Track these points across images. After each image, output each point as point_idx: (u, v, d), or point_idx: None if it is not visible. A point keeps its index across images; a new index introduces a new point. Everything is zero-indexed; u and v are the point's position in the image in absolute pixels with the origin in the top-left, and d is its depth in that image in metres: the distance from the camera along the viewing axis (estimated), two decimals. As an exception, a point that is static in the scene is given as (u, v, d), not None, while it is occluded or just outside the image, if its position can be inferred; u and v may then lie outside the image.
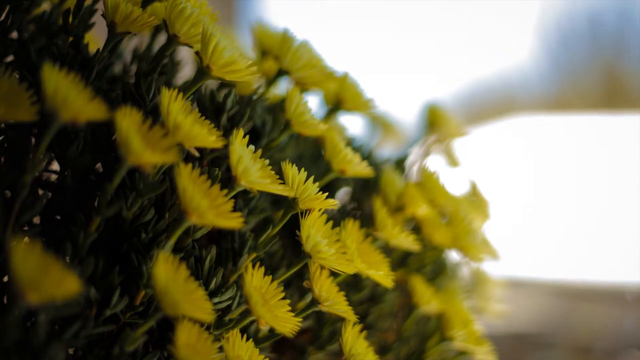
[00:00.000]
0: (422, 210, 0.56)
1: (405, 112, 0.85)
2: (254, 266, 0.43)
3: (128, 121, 0.36)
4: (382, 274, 0.46)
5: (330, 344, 0.54)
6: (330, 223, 0.44)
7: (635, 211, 1.69)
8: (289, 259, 0.52)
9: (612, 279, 1.53)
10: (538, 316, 1.40)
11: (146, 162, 0.37)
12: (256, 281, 0.42)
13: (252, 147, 0.42)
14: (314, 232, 0.43)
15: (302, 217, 0.43)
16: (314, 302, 0.44)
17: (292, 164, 0.43)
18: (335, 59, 0.57)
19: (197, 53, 0.43)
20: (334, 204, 0.44)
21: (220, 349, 0.40)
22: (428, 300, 0.56)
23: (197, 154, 0.41)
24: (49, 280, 0.33)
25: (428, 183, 0.60)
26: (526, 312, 1.36)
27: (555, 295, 1.51)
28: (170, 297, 0.36)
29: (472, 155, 0.76)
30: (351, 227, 0.46)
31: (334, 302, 0.44)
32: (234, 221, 0.38)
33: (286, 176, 0.43)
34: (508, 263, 0.74)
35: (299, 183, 0.43)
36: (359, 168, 0.50)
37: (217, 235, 0.47)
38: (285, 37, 0.52)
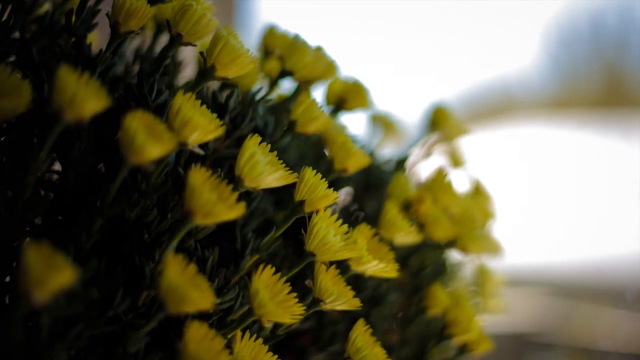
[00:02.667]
0: (426, 205, 0.57)
1: (406, 113, 0.85)
2: (257, 267, 0.43)
3: (137, 120, 0.36)
4: (385, 266, 0.46)
5: (331, 345, 0.54)
6: (340, 221, 0.44)
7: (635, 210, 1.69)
8: (290, 261, 0.52)
9: (612, 278, 1.53)
10: (538, 316, 1.40)
11: (148, 157, 0.37)
12: (264, 278, 0.42)
13: (264, 144, 0.42)
14: (325, 227, 0.43)
15: (308, 219, 0.43)
16: (315, 301, 0.44)
17: (309, 167, 0.44)
18: (336, 59, 0.57)
19: (201, 53, 0.43)
20: (335, 197, 0.44)
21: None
22: (442, 306, 0.57)
23: (201, 152, 0.41)
24: (53, 275, 0.33)
25: (435, 183, 0.60)
26: (526, 312, 1.36)
27: (555, 295, 1.51)
28: (177, 291, 0.36)
29: (474, 154, 0.76)
30: (363, 227, 0.46)
31: (337, 296, 0.44)
32: (237, 210, 0.38)
33: (302, 178, 0.43)
34: (509, 262, 0.74)
35: (310, 186, 0.43)
36: (362, 159, 0.50)
37: (219, 236, 0.47)
38: (295, 40, 0.52)
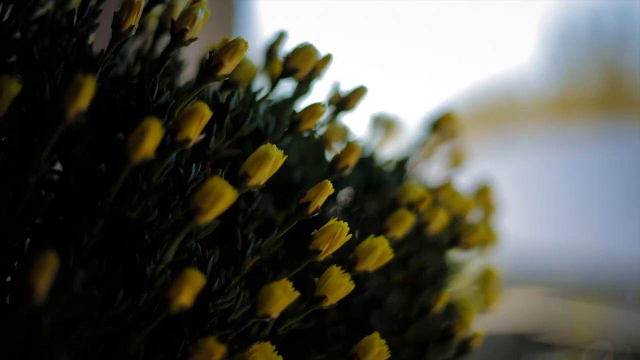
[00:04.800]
0: (427, 203, 0.57)
1: (406, 113, 0.85)
2: (257, 267, 0.43)
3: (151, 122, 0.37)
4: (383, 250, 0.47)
5: (332, 346, 0.54)
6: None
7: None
8: (290, 261, 0.52)
9: (612, 278, 1.53)
10: (538, 316, 1.40)
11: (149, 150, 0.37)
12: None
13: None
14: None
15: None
16: (318, 299, 0.45)
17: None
18: (337, 60, 0.57)
19: (210, 52, 0.43)
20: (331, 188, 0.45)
21: (229, 351, 0.40)
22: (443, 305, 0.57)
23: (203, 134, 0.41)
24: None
25: (439, 187, 0.61)
26: (526, 312, 1.36)
27: (555, 295, 1.51)
28: None
29: (476, 154, 0.76)
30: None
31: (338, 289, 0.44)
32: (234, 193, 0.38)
33: (320, 185, 0.44)
34: (510, 262, 0.74)
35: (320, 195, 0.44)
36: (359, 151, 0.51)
37: (220, 237, 0.47)
38: (303, 44, 0.52)
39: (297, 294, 0.42)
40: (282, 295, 0.42)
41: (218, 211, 0.38)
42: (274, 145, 0.42)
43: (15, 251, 0.41)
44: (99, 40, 0.47)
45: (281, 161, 0.42)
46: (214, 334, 0.43)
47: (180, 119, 0.39)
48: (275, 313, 0.42)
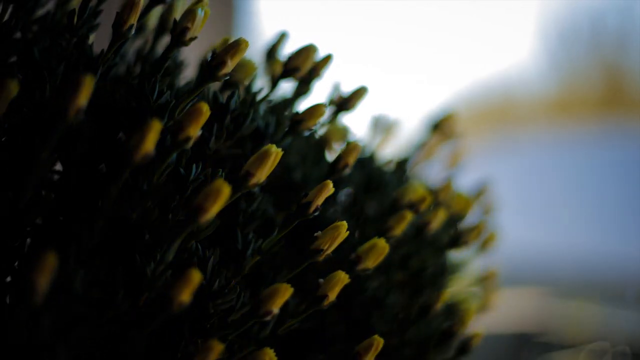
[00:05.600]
0: (427, 203, 0.58)
1: (407, 113, 0.85)
2: (256, 267, 0.43)
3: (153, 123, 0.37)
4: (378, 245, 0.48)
5: (332, 345, 0.54)
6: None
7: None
8: (290, 261, 0.52)
9: (612, 278, 1.53)
10: (538, 316, 1.40)
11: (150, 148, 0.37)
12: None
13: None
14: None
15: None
16: (320, 298, 0.45)
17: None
18: (337, 60, 0.57)
19: (213, 52, 0.44)
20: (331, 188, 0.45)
21: (227, 349, 0.40)
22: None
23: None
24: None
25: (442, 186, 0.62)
26: (526, 312, 1.36)
27: (555, 295, 1.51)
28: None
29: (476, 154, 0.76)
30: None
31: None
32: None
33: (321, 185, 0.44)
34: (509, 262, 0.74)
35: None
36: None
37: (220, 237, 0.47)
38: (307, 47, 0.53)
39: (292, 289, 0.43)
40: (285, 293, 0.42)
41: (218, 208, 0.38)
42: (274, 145, 0.42)
43: (15, 251, 0.41)
44: (99, 40, 0.47)
45: (279, 156, 0.43)
46: (214, 334, 0.43)
47: (183, 118, 0.39)
48: (276, 309, 0.43)
